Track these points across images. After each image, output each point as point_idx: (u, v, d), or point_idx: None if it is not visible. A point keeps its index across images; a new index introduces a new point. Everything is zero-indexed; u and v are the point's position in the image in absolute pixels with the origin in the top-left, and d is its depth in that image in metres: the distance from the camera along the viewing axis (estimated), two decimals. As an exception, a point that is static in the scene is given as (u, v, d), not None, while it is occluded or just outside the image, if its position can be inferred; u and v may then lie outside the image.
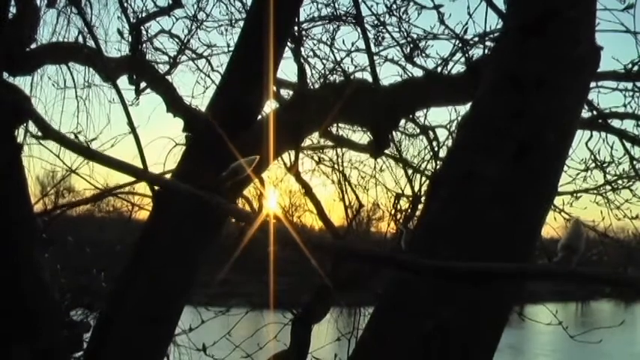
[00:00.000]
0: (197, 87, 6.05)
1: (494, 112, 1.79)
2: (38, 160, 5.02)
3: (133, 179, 3.35)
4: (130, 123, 3.43)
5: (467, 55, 4.13)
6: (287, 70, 6.71)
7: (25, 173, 2.74)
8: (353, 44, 5.04)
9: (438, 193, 1.77)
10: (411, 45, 4.91)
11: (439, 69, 4.22)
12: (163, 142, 5.57)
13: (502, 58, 1.91)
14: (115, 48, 6.17)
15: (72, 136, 4.80)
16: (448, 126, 5.40)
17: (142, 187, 3.50)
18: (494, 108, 1.80)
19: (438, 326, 1.62)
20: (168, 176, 3.57)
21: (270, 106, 3.83)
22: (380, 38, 5.06)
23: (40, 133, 1.03)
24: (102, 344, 3.13)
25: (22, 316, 2.61)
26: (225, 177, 1.26)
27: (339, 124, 4.76)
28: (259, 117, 3.61)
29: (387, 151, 5.57)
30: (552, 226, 5.69)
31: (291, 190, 8.18)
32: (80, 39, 5.71)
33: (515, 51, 1.89)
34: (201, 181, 1.36)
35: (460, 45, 4.14)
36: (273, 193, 7.37)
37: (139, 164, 3.50)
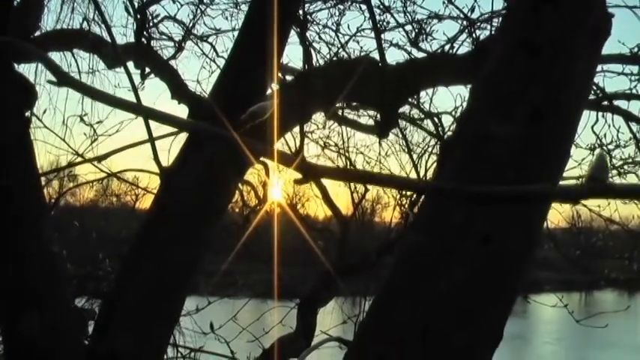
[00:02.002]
0: (202, 73, 6.04)
1: (508, 75, 1.80)
2: (42, 147, 5.00)
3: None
4: (138, 99, 3.40)
5: (474, 36, 4.13)
6: (292, 57, 6.70)
7: (34, 148, 2.75)
8: (358, 29, 5.04)
9: (453, 156, 1.78)
10: (417, 30, 4.90)
11: (446, 48, 4.22)
12: (167, 129, 5.57)
13: (514, 26, 1.91)
14: (120, 33, 6.15)
15: (77, 120, 4.80)
16: (453, 112, 5.41)
17: (151, 165, 3.50)
18: (507, 72, 1.80)
19: (452, 287, 1.62)
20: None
21: (274, 88, 3.82)
22: (385, 23, 5.05)
23: (55, 79, 1.02)
24: (108, 324, 3.12)
25: (30, 286, 2.62)
26: (243, 120, 1.25)
27: (345, 107, 4.75)
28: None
29: (393, 135, 5.58)
30: (558, 210, 5.69)
31: (295, 179, 8.15)
32: (85, 26, 5.71)
33: (527, 19, 1.88)
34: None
35: (467, 24, 4.14)
36: (278, 180, 7.37)
37: (147, 148, 3.50)
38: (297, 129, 4.51)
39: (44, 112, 4.89)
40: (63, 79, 1.07)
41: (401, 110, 5.35)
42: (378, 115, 4.08)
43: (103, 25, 5.51)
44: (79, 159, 4.17)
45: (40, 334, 2.56)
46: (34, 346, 2.59)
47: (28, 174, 2.59)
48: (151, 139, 3.02)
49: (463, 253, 1.65)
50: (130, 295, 3.12)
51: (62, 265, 2.76)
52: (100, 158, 2.20)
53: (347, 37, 5.13)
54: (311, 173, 1.13)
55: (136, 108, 1.32)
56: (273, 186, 6.62)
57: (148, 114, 1.26)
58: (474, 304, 1.66)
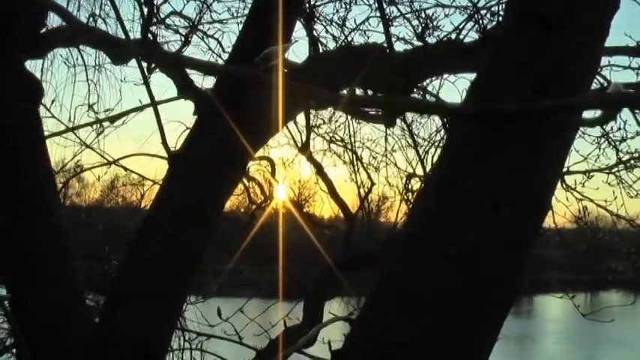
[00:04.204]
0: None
1: (516, 48, 1.80)
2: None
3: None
4: (149, 92, 3.40)
5: (480, 23, 4.14)
6: (298, 52, 6.70)
7: (43, 127, 2.77)
8: (364, 20, 5.04)
9: (460, 128, 1.78)
10: (423, 24, 4.90)
11: (452, 36, 4.22)
12: (174, 126, 5.58)
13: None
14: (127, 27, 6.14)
15: (86, 108, 4.83)
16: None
17: (159, 150, 3.51)
18: (515, 44, 1.81)
19: (462, 251, 1.62)
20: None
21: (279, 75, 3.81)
22: (392, 18, 5.05)
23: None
24: (112, 312, 3.12)
25: (39, 262, 2.62)
26: (258, 61, 1.26)
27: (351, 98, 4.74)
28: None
29: (399, 129, 5.58)
30: (565, 204, 5.67)
31: (300, 180, 8.19)
32: (91, 22, 5.73)
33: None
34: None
35: (474, 11, 4.14)
36: (284, 179, 7.38)
37: (157, 138, 3.50)
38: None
39: (52, 102, 4.92)
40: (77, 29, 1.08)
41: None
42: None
43: (110, 21, 5.54)
44: (86, 146, 4.17)
45: (48, 310, 2.57)
46: (41, 321, 2.59)
47: (38, 153, 2.61)
48: (162, 133, 3.02)
49: (473, 219, 1.65)
50: (135, 281, 3.13)
51: (70, 242, 2.76)
52: (112, 119, 2.20)
53: (353, 33, 5.14)
54: (322, 100, 1.12)
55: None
56: (279, 183, 6.63)
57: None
58: (484, 272, 1.65)
